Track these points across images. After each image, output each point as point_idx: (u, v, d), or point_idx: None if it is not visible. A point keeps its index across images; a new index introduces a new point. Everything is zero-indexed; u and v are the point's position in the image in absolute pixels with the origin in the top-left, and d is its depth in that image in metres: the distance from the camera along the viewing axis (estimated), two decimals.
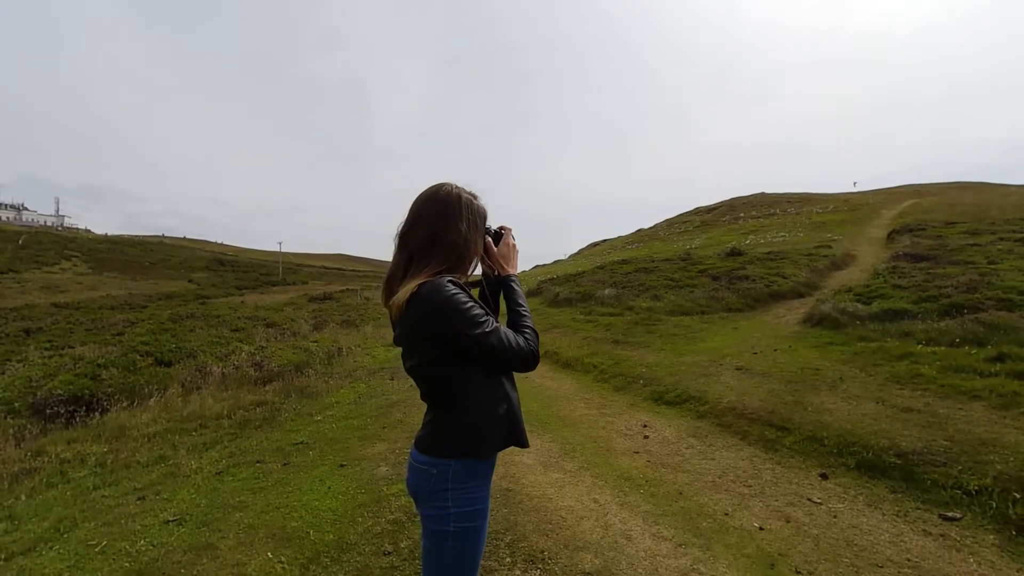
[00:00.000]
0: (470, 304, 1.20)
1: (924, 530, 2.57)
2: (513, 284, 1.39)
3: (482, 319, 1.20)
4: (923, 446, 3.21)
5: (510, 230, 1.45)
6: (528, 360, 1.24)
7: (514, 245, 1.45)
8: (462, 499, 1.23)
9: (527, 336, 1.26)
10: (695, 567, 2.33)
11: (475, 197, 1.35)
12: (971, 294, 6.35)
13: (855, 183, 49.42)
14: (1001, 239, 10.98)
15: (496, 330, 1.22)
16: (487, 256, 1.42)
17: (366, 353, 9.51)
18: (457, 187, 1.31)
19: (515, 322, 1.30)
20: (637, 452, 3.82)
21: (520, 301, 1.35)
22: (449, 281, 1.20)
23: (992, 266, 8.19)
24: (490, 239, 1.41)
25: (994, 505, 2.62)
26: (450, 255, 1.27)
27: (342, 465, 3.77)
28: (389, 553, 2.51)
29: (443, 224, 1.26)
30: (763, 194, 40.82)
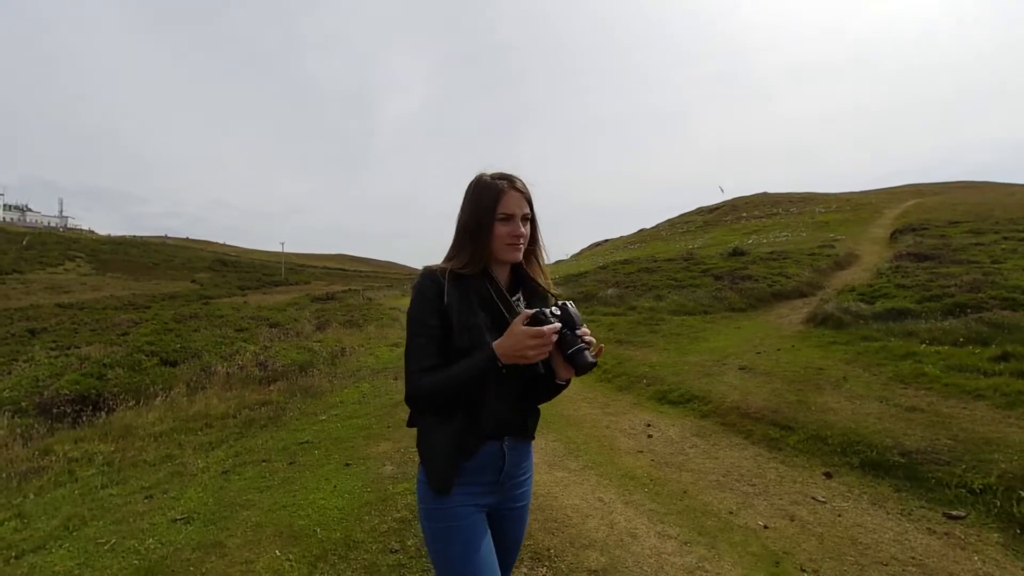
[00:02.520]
0: (420, 308, 1.18)
1: (928, 528, 2.58)
2: (480, 354, 1.11)
3: (418, 324, 1.17)
4: (927, 445, 3.21)
5: (548, 331, 1.06)
6: (409, 393, 1.15)
7: (534, 346, 1.06)
8: (422, 496, 1.25)
9: (428, 383, 1.12)
10: (700, 565, 2.35)
11: (493, 176, 1.23)
12: (975, 293, 6.34)
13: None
14: (1005, 238, 10.96)
15: (416, 346, 1.16)
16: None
17: (369, 353, 9.53)
18: (485, 172, 1.26)
19: (447, 370, 1.14)
20: (641, 451, 3.83)
21: (465, 366, 1.11)
22: (426, 273, 1.21)
23: (996, 265, 8.18)
24: (526, 310, 1.11)
25: (998, 504, 2.62)
26: (454, 238, 1.26)
27: (348, 464, 3.80)
28: (396, 551, 2.53)
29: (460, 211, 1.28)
30: (765, 194, 40.76)
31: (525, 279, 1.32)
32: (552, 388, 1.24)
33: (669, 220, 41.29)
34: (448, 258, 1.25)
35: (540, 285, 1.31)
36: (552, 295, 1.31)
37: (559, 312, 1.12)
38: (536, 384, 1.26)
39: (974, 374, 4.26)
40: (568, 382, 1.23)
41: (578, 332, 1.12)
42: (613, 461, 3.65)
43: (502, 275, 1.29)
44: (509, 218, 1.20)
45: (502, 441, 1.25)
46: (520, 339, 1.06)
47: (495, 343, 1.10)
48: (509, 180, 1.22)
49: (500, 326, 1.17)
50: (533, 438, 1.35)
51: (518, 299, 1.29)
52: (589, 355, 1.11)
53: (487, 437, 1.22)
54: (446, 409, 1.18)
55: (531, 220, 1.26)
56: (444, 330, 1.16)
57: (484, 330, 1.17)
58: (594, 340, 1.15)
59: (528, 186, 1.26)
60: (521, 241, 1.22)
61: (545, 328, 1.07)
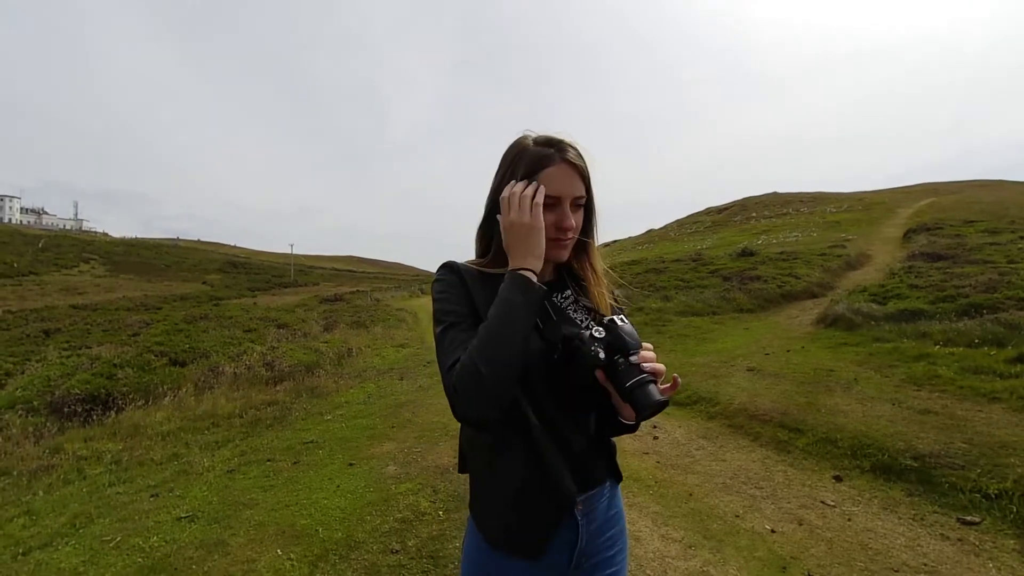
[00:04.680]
0: (443, 296, 0.90)
1: (941, 534, 2.51)
2: (508, 281, 0.84)
3: (443, 314, 0.88)
4: (941, 448, 3.14)
5: (515, 194, 0.85)
6: (449, 395, 0.79)
7: (517, 221, 0.85)
8: (468, 551, 0.97)
9: (463, 362, 0.79)
10: (705, 569, 2.30)
11: (537, 142, 0.91)
12: (990, 294, 6.22)
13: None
14: (1021, 238, 10.75)
15: (449, 339, 0.85)
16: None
17: (376, 354, 9.56)
18: (529, 134, 0.95)
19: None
20: (647, 453, 3.79)
21: (494, 311, 0.82)
22: (444, 265, 0.95)
23: (1012, 265, 8.02)
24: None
25: (1014, 509, 2.55)
26: (479, 227, 0.99)
27: (351, 464, 3.80)
28: (397, 551, 2.52)
29: None
30: (775, 193, 40.38)
31: (573, 274, 1.01)
32: (617, 425, 0.93)
33: (678, 220, 41.03)
34: (477, 248, 1.00)
35: (592, 290, 0.99)
36: (602, 316, 0.95)
37: (603, 333, 0.83)
38: (600, 414, 0.96)
39: (989, 376, 4.16)
40: (637, 424, 0.90)
41: (634, 358, 0.81)
42: (618, 463, 3.61)
43: (541, 273, 0.96)
44: (554, 202, 0.89)
45: (575, 503, 0.90)
46: (516, 227, 0.85)
47: (513, 259, 0.86)
48: (559, 148, 0.89)
49: (537, 335, 0.88)
50: (621, 478, 1.01)
51: (568, 298, 0.98)
52: (655, 390, 0.79)
53: (562, 500, 0.89)
54: (497, 394, 0.78)
55: (586, 206, 0.94)
56: (477, 316, 0.87)
57: None
58: (663, 368, 0.82)
59: (587, 157, 0.92)
60: (570, 235, 0.91)
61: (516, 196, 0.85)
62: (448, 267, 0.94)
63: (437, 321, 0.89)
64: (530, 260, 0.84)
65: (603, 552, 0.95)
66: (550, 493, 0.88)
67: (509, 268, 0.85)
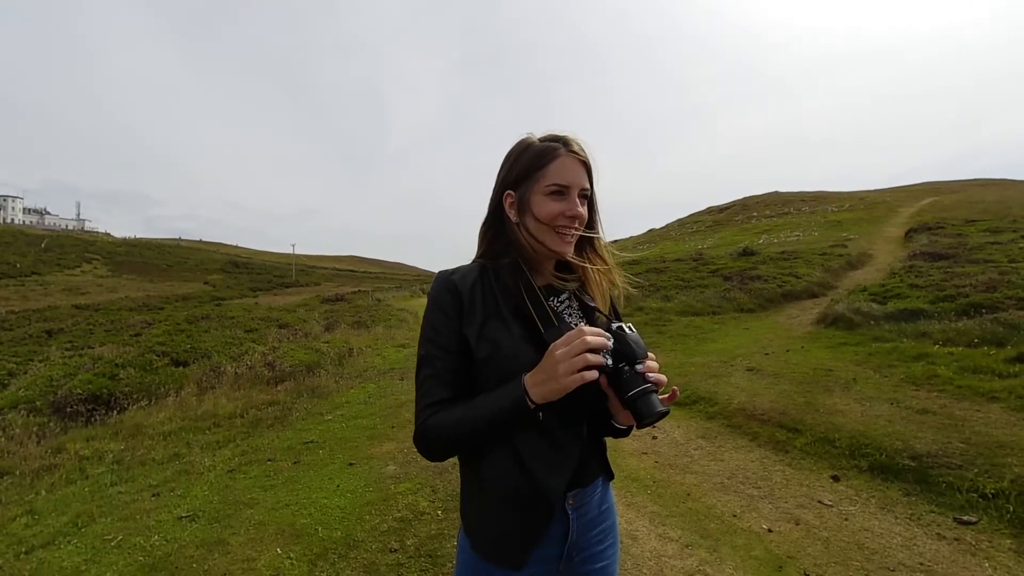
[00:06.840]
0: (430, 317, 0.92)
1: (938, 534, 2.52)
2: (505, 389, 0.83)
3: (426, 340, 0.91)
4: (938, 448, 3.14)
5: (593, 339, 0.78)
6: (418, 435, 0.88)
7: (561, 359, 0.77)
8: (462, 568, 0.97)
9: (437, 423, 0.85)
10: (701, 568, 2.31)
11: (542, 139, 0.93)
12: (990, 293, 6.22)
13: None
14: (1023, 237, 10.72)
15: (427, 374, 0.88)
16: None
17: (376, 354, 9.58)
18: (532, 134, 0.95)
19: (462, 407, 0.86)
20: (645, 453, 3.80)
21: (484, 406, 0.83)
22: (439, 279, 0.94)
23: (1013, 264, 8.02)
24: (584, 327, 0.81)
25: (1011, 509, 2.55)
26: (483, 224, 0.99)
27: (351, 464, 3.81)
28: (395, 551, 2.54)
29: None
30: (777, 193, 40.37)
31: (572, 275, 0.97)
32: (610, 430, 0.93)
33: (679, 220, 41.05)
34: (479, 250, 1.00)
35: (596, 284, 0.96)
36: (604, 315, 0.93)
37: (611, 340, 0.82)
38: (593, 416, 0.94)
39: (988, 376, 4.17)
40: (630, 428, 0.91)
41: (639, 367, 0.80)
42: (616, 462, 3.61)
43: (541, 275, 0.95)
44: (563, 191, 0.88)
45: (565, 499, 0.92)
46: (552, 358, 0.77)
47: (527, 376, 0.81)
48: (564, 142, 0.91)
49: (534, 342, 0.87)
50: (612, 476, 1.01)
51: (563, 301, 0.95)
52: (657, 401, 0.79)
53: (550, 507, 0.88)
54: (467, 454, 0.91)
55: (589, 200, 0.94)
56: (463, 351, 0.89)
57: (506, 340, 0.87)
58: (665, 379, 0.81)
59: (590, 153, 0.92)
60: (577, 224, 0.90)
61: (585, 333, 0.77)
62: (443, 282, 0.92)
63: (421, 342, 0.91)
64: (537, 391, 0.79)
65: (595, 546, 0.96)
66: (537, 502, 0.87)
67: (523, 389, 0.80)
